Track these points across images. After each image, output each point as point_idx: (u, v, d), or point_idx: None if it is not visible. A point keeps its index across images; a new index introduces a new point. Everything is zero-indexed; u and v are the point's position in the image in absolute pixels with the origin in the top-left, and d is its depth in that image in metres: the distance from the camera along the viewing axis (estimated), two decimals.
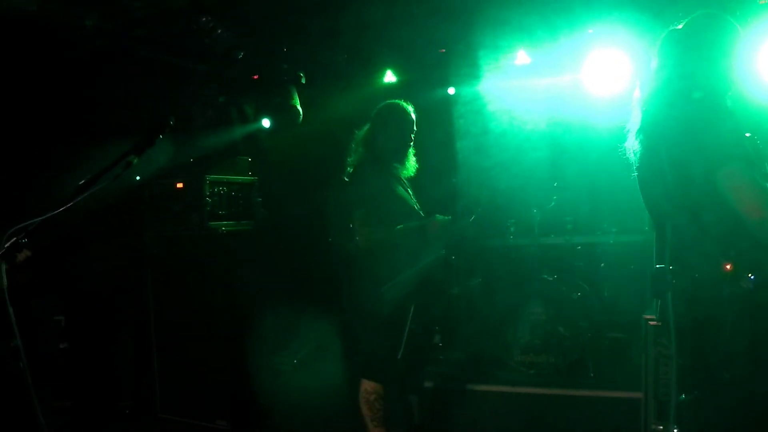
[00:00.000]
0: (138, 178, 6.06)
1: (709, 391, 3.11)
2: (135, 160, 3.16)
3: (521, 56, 6.69)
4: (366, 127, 4.68)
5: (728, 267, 3.07)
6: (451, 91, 7.52)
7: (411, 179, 4.77)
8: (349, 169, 4.63)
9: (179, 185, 6.00)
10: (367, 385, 4.53)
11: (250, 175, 6.49)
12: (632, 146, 3.45)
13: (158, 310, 6.11)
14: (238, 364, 5.81)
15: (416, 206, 4.68)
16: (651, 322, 4.87)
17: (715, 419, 3.07)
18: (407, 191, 4.69)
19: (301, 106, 6.83)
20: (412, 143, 4.66)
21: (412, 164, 4.71)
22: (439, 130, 7.01)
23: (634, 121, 3.43)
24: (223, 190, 6.11)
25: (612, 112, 5.91)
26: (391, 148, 4.59)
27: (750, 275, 3.04)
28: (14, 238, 2.72)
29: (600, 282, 6.79)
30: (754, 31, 3.32)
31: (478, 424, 5.70)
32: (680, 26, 3.32)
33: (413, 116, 4.65)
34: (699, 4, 5.03)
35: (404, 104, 4.66)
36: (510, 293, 6.54)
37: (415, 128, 4.64)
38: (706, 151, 2.99)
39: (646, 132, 3.33)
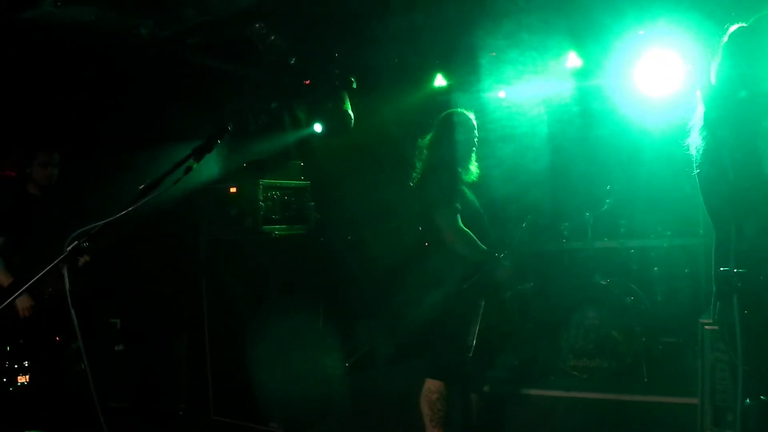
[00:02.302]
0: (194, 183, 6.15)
1: None
2: (195, 165, 3.20)
3: (572, 58, 6.65)
4: (430, 135, 4.92)
5: None
6: (502, 94, 7.48)
7: (473, 183, 4.95)
8: (416, 175, 4.88)
9: (233, 190, 6.09)
10: (430, 384, 4.64)
11: (302, 180, 6.54)
12: (695, 143, 3.40)
13: (212, 314, 6.19)
14: (290, 367, 5.86)
15: (481, 209, 4.85)
16: (707, 327, 4.80)
17: None
18: (472, 194, 4.87)
19: (352, 110, 6.85)
20: (474, 149, 4.89)
21: (474, 169, 4.90)
22: (490, 133, 6.99)
23: (697, 118, 3.39)
24: (276, 194, 6.18)
25: (665, 113, 5.90)
26: (455, 154, 4.78)
27: None
28: (76, 242, 2.75)
29: (654, 286, 6.69)
30: None
31: (531, 429, 5.67)
32: (744, 24, 3.28)
33: (474, 123, 4.88)
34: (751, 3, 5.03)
35: (466, 112, 4.89)
36: (563, 297, 6.51)
37: (477, 134, 4.89)
38: (765, 152, 2.95)
39: (709, 129, 3.29)
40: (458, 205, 4.59)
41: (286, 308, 5.92)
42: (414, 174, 4.90)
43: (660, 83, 6.08)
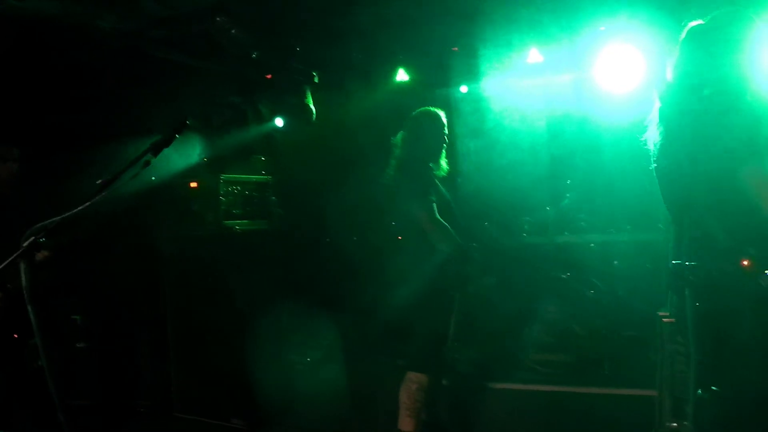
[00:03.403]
0: (153, 178, 6.08)
1: (727, 388, 3.11)
2: (152, 160, 3.18)
3: (533, 54, 6.67)
4: (402, 133, 5.13)
5: (745, 263, 3.07)
6: (464, 89, 7.49)
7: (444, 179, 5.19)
8: (390, 171, 5.08)
9: (194, 185, 6.05)
10: (412, 376, 4.84)
11: (264, 175, 6.52)
12: (652, 138, 3.44)
13: (174, 309, 6.14)
14: (253, 362, 5.83)
15: (452, 204, 5.09)
16: (665, 320, 4.86)
17: (733, 415, 3.08)
18: (444, 189, 5.11)
19: (314, 105, 6.84)
20: (445, 146, 5.13)
21: (444, 165, 5.15)
22: (451, 128, 7.01)
23: (654, 114, 3.43)
24: (237, 189, 6.16)
25: (625, 108, 5.96)
26: (427, 151, 5.05)
27: (767, 272, 3.05)
28: (33, 237, 2.73)
29: (614, 280, 6.76)
30: (762, 29, 3.29)
31: (493, 422, 5.70)
32: (702, 21, 3.32)
33: (445, 121, 5.13)
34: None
35: (437, 110, 5.14)
36: (524, 292, 6.55)
37: (447, 132, 5.14)
38: (721, 148, 3.00)
39: (665, 125, 3.34)
40: (433, 198, 4.81)
41: (249, 303, 5.89)
42: (387, 170, 5.08)
43: (620, 79, 6.14)
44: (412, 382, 4.83)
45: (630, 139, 6.08)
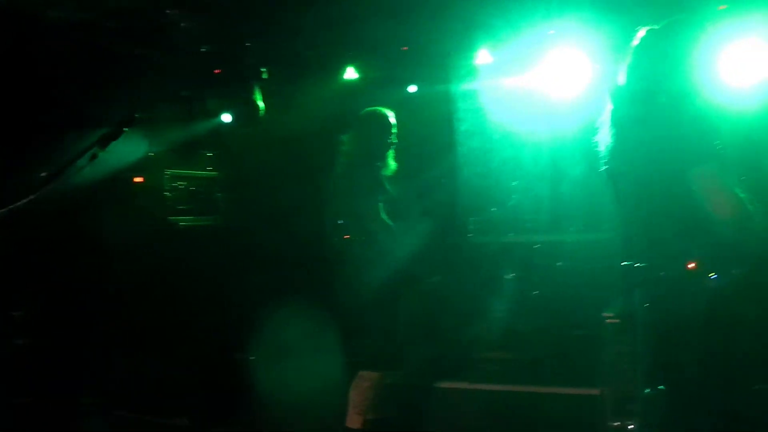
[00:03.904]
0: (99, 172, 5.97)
1: (674, 386, 3.17)
2: (99, 153, 3.14)
3: (483, 55, 6.70)
4: (350, 132, 5.25)
5: (691, 265, 3.14)
6: (413, 89, 7.50)
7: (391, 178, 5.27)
8: (338, 169, 5.17)
9: (139, 179, 5.96)
10: (363, 374, 4.94)
11: (211, 170, 6.45)
12: (603, 141, 3.49)
13: (118, 305, 6.03)
14: (200, 360, 5.77)
15: (399, 202, 5.23)
16: (610, 320, 4.96)
17: (679, 412, 3.14)
18: (391, 188, 5.22)
19: (262, 101, 6.78)
20: (392, 145, 5.23)
21: (392, 164, 5.25)
22: (400, 128, 7.02)
23: (606, 116, 3.48)
24: (183, 184, 6.09)
25: (571, 111, 6.04)
26: (374, 151, 5.16)
27: (712, 275, 3.12)
28: None
29: (559, 280, 6.83)
30: (714, 36, 3.38)
31: (440, 421, 5.73)
32: (655, 27, 3.38)
33: (393, 121, 5.23)
34: (661, 6, 5.19)
35: (385, 111, 5.26)
36: (470, 291, 6.58)
37: (395, 132, 5.24)
38: (675, 152, 3.06)
39: (617, 128, 3.39)
40: (380, 197, 4.93)
41: (194, 300, 5.83)
42: (335, 169, 5.17)
43: (568, 82, 6.21)
44: (363, 380, 4.91)
45: (576, 141, 6.22)
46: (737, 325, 3.21)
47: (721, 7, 4.91)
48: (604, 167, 3.57)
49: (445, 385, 5.93)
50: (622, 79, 3.47)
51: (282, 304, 6.59)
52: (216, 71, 6.67)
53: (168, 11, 5.33)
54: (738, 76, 4.68)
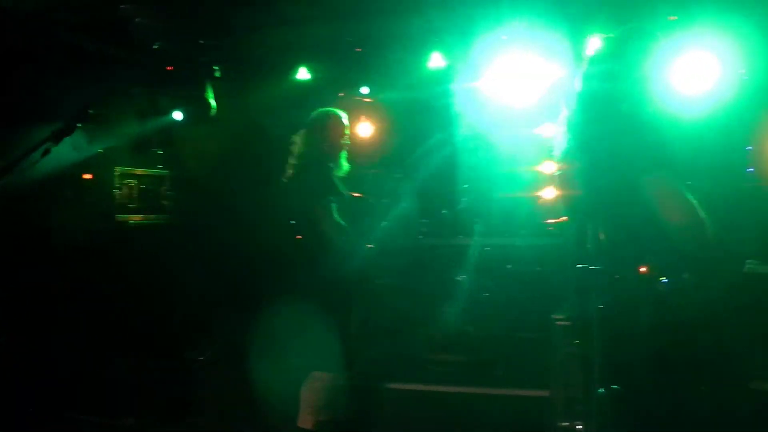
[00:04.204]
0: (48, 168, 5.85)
1: (627, 385, 3.23)
2: (52, 148, 3.10)
3: (435, 59, 6.74)
4: (304, 131, 5.16)
5: (643, 270, 3.21)
6: (365, 90, 7.52)
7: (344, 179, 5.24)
8: (290, 170, 5.10)
9: (87, 176, 5.87)
10: (315, 374, 4.91)
11: (161, 168, 6.38)
12: (559, 145, 3.55)
13: (65, 305, 5.92)
14: (147, 360, 5.70)
15: (352, 203, 5.16)
16: (560, 322, 5.02)
17: (632, 412, 3.21)
18: (344, 189, 5.16)
19: (214, 99, 6.72)
20: (345, 146, 5.20)
21: (345, 165, 5.22)
22: (353, 129, 7.03)
23: (561, 122, 3.53)
24: (132, 182, 6.00)
25: (523, 115, 6.11)
26: (326, 151, 5.10)
27: (663, 279, 3.19)
28: None
29: (507, 283, 6.91)
30: (666, 46, 3.46)
31: (388, 422, 5.73)
32: (611, 35, 3.45)
33: (346, 122, 5.20)
34: (609, 15, 5.30)
35: (338, 111, 5.22)
36: (421, 293, 6.62)
37: (348, 132, 5.21)
38: (630, 159, 3.11)
39: (573, 134, 3.44)
40: (332, 198, 4.86)
41: (143, 299, 5.76)
42: (287, 169, 5.10)
43: (521, 86, 6.27)
44: (315, 381, 4.90)
45: (527, 146, 6.30)
46: (685, 328, 3.29)
47: (672, 18, 5.03)
48: (558, 173, 3.63)
49: (396, 386, 5.94)
50: (578, 85, 3.53)
51: (232, 304, 6.55)
52: (168, 68, 6.59)
53: (122, 6, 5.25)
54: (687, 84, 4.80)
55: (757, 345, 4.33)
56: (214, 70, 6.66)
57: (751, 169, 5.38)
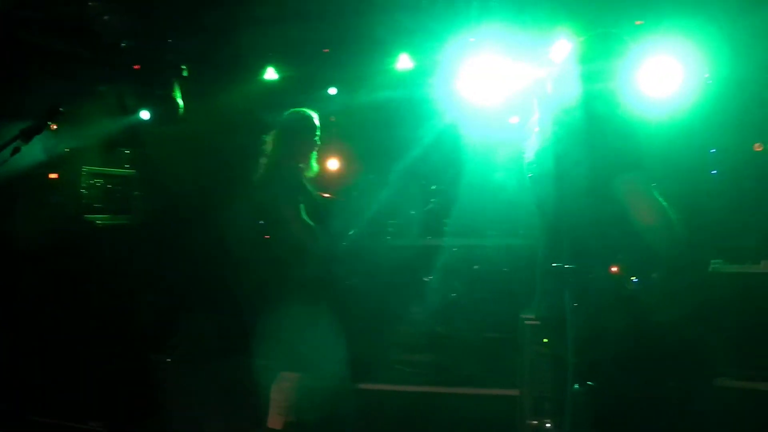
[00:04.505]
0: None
1: (602, 382, 3.29)
2: (22, 146, 3.07)
3: (403, 60, 6.76)
4: (275, 132, 5.15)
5: (614, 269, 3.27)
6: (332, 91, 7.52)
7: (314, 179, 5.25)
8: (260, 170, 5.09)
9: (54, 176, 5.79)
10: (284, 375, 4.93)
11: (128, 168, 6.32)
12: (531, 147, 3.60)
13: (28, 307, 5.83)
14: (114, 362, 5.64)
15: (321, 204, 5.15)
16: (528, 322, 5.09)
17: (606, 408, 3.26)
18: (314, 190, 5.16)
19: (182, 99, 6.68)
20: (316, 147, 5.19)
21: (315, 166, 5.21)
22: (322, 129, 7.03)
23: (533, 125, 3.58)
24: (99, 182, 5.95)
25: (490, 119, 6.15)
26: (297, 152, 5.09)
27: (634, 278, 3.26)
28: None
29: (475, 283, 6.95)
30: (633, 50, 3.54)
31: (357, 422, 5.74)
32: (582, 39, 3.51)
33: (317, 123, 5.19)
34: (577, 19, 5.36)
35: (309, 112, 5.19)
36: (388, 293, 6.63)
37: (319, 133, 5.19)
38: (603, 159, 3.17)
39: (545, 136, 3.49)
40: (301, 199, 4.84)
41: (109, 300, 5.70)
42: (258, 170, 5.10)
43: (487, 89, 6.31)
44: (284, 381, 4.91)
45: (494, 148, 6.35)
46: (654, 327, 3.36)
47: (638, 22, 5.12)
48: (530, 174, 3.67)
49: (365, 386, 5.96)
50: (550, 88, 3.58)
51: (199, 305, 6.52)
52: (135, 67, 6.53)
53: (89, 4, 5.20)
54: (653, 88, 4.88)
55: (722, 343, 4.43)
56: (182, 69, 6.61)
57: (715, 172, 5.49)
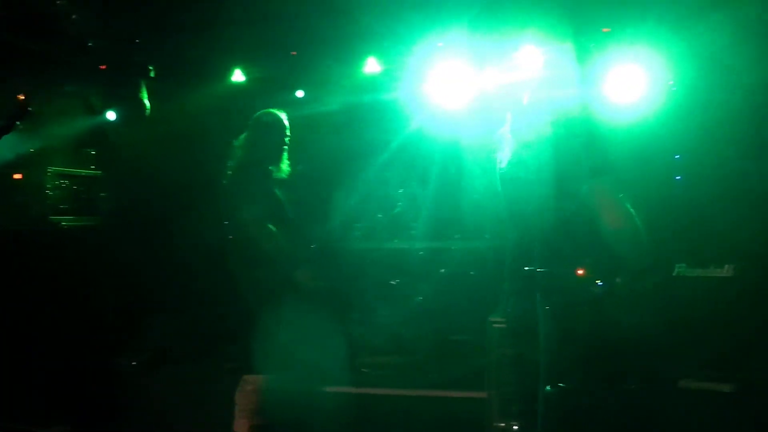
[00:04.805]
0: None
1: (572, 383, 3.34)
2: None
3: (371, 64, 6.78)
4: (244, 135, 5.14)
5: (580, 272, 3.33)
6: (300, 94, 7.52)
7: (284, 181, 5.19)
8: (229, 172, 5.06)
9: (18, 176, 5.73)
10: (248, 378, 4.91)
11: (94, 169, 6.27)
12: (503, 153, 3.63)
13: None
14: (79, 366, 5.57)
15: (288, 208, 5.10)
16: (496, 324, 5.12)
17: (577, 408, 3.32)
18: (282, 193, 5.10)
19: (149, 100, 6.64)
20: (285, 148, 5.17)
21: (286, 167, 5.17)
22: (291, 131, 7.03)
23: (506, 131, 3.62)
24: (65, 183, 5.89)
25: (458, 122, 6.19)
26: (266, 154, 5.07)
27: (599, 282, 3.32)
28: None
29: (441, 286, 6.98)
30: (602, 57, 3.60)
31: (322, 425, 5.72)
32: (551, 54, 3.57)
33: (286, 123, 5.17)
34: (544, 26, 5.42)
35: (279, 113, 5.19)
36: (355, 296, 6.65)
37: (288, 134, 5.18)
38: (566, 167, 3.23)
39: (516, 143, 3.53)
40: (265, 203, 4.84)
41: (75, 303, 5.63)
42: (227, 171, 5.08)
43: (455, 93, 6.34)
44: (248, 384, 4.90)
45: (462, 152, 6.39)
46: (618, 329, 3.42)
47: (605, 30, 5.18)
48: (502, 180, 3.71)
49: (331, 389, 5.95)
50: (519, 94, 3.63)
51: (165, 307, 6.47)
52: (102, 67, 6.48)
53: (57, 2, 5.15)
54: (619, 94, 4.96)
55: (686, 345, 4.50)
56: (149, 70, 6.57)
57: (679, 177, 5.59)
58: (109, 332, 6.06)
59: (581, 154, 3.25)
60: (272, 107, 5.31)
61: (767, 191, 4.87)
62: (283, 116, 5.20)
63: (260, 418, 4.97)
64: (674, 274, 4.82)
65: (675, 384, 4.51)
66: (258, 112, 5.23)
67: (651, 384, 4.18)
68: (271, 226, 4.79)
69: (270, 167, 5.06)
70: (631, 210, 3.28)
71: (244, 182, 4.96)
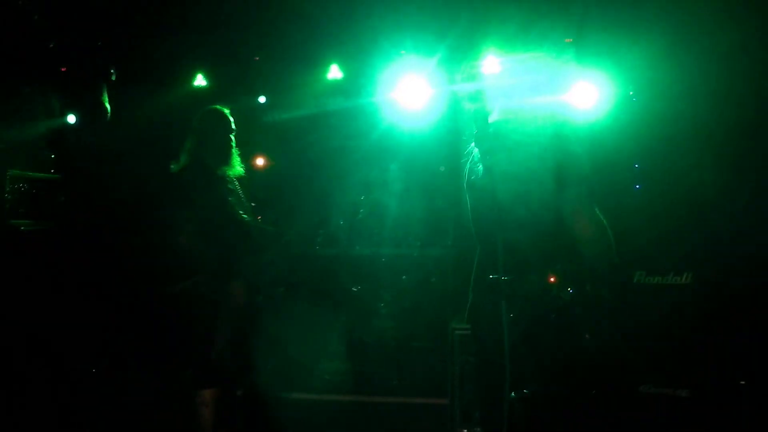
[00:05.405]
0: None
1: (537, 389, 3.37)
2: None
3: (334, 71, 6.80)
4: (189, 136, 4.86)
5: (552, 279, 3.37)
6: (262, 99, 7.50)
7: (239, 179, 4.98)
8: (176, 171, 4.83)
9: None
10: (202, 392, 4.68)
11: (53, 173, 6.18)
12: (471, 167, 3.66)
13: None
14: (35, 373, 5.48)
15: (242, 210, 4.86)
16: (458, 332, 5.15)
17: (542, 413, 3.35)
18: (236, 192, 4.89)
19: (110, 103, 6.57)
20: (233, 144, 4.88)
21: (238, 164, 4.91)
22: (251, 137, 7.00)
23: (472, 138, 3.65)
24: (24, 186, 5.79)
25: (420, 130, 6.24)
26: (216, 153, 4.81)
27: (569, 289, 3.36)
28: None
29: (403, 293, 7.02)
30: (566, 67, 3.66)
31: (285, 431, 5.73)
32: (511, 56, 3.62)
33: (231, 118, 4.89)
34: (506, 35, 5.48)
35: (222, 108, 4.92)
36: (316, 302, 6.64)
37: (234, 129, 4.89)
38: (533, 178, 3.27)
39: (483, 154, 3.56)
40: (203, 203, 4.63)
41: (33, 307, 5.54)
42: (177, 171, 4.85)
43: (417, 102, 6.39)
44: (203, 397, 4.71)
45: (423, 161, 6.44)
46: (583, 336, 3.48)
47: (568, 40, 5.26)
48: (470, 191, 3.73)
49: (292, 396, 5.95)
50: (483, 103, 3.66)
51: (123, 314, 6.40)
52: (62, 69, 6.40)
53: (18, 3, 5.07)
54: (581, 105, 5.03)
55: (645, 351, 4.57)
56: (111, 72, 6.50)
57: (638, 186, 5.69)
58: (65, 338, 5.96)
59: (547, 166, 3.30)
60: (234, 112, 5.02)
61: (724, 200, 4.98)
62: (227, 112, 4.91)
63: (222, 428, 4.88)
64: (634, 281, 4.90)
65: (635, 389, 4.58)
66: (200, 111, 4.95)
67: (612, 390, 4.24)
68: (203, 229, 4.59)
69: (222, 167, 4.83)
70: (605, 222, 3.34)
71: (184, 180, 4.74)
